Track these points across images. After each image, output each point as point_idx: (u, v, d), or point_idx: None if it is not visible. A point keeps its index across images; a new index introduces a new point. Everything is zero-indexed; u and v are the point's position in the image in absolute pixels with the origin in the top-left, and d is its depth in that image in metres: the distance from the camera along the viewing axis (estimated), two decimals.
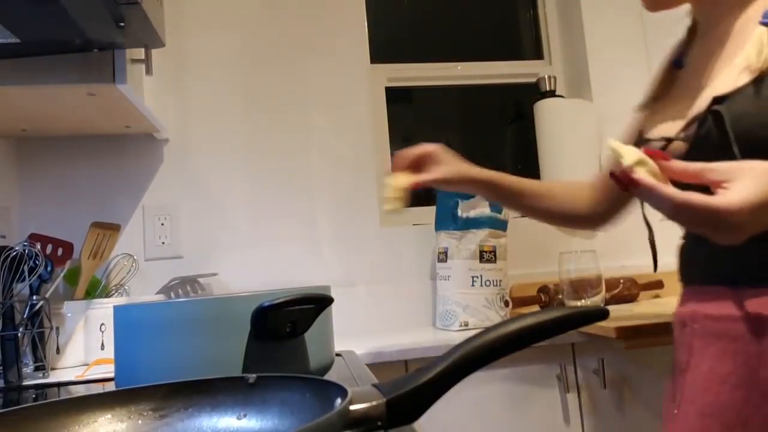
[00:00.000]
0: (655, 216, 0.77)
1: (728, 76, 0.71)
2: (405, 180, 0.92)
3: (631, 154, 0.63)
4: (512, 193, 1.00)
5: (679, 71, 0.88)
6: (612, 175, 0.63)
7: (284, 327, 0.68)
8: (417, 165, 0.95)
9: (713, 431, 0.71)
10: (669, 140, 0.77)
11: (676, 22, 0.94)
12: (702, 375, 0.73)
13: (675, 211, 0.60)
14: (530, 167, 1.96)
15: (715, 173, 0.61)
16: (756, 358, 0.69)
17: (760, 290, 0.70)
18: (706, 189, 0.61)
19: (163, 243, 1.64)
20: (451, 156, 0.96)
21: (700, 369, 0.74)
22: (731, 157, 0.64)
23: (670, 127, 0.79)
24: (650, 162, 0.63)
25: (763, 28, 0.69)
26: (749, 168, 0.60)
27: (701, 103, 0.73)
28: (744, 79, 0.68)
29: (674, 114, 0.81)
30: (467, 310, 1.54)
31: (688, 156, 0.70)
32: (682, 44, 0.91)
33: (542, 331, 0.46)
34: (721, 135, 0.67)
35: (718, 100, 0.69)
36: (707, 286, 0.77)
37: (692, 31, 0.89)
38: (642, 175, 0.61)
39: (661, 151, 0.65)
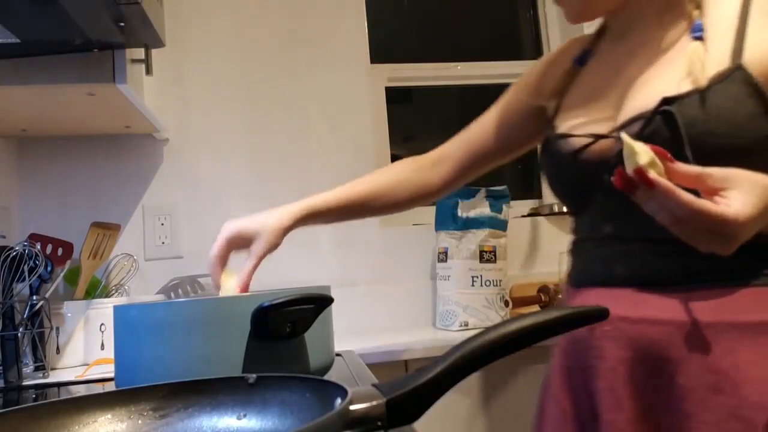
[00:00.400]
0: None
1: (668, 81, 0.70)
2: (233, 286, 0.86)
3: (644, 153, 0.60)
4: (349, 207, 0.98)
5: (581, 68, 0.87)
6: (620, 173, 0.60)
7: (284, 327, 0.68)
8: (229, 255, 0.90)
9: None
10: (598, 137, 0.75)
11: None
12: (620, 379, 0.71)
13: (688, 217, 0.57)
14: (531, 167, 1.96)
15: (712, 179, 0.60)
16: (675, 363, 0.68)
17: (683, 294, 0.69)
18: (692, 192, 0.60)
19: (163, 243, 1.64)
20: (253, 220, 0.91)
21: (617, 373, 0.71)
22: (682, 159, 0.63)
23: (589, 123, 0.78)
24: (659, 163, 0.60)
25: (697, 43, 0.69)
26: (744, 177, 0.59)
27: (641, 102, 0.71)
28: (686, 87, 0.67)
29: (589, 111, 0.79)
30: (467, 310, 1.54)
31: (621, 154, 0.68)
32: (586, 43, 0.90)
33: (542, 331, 0.46)
34: (672, 136, 0.66)
35: (668, 100, 0.67)
36: (618, 288, 0.74)
37: (601, 32, 0.89)
38: (654, 176, 0.58)
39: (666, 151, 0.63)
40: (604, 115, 0.77)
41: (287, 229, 0.92)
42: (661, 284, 0.70)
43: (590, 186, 0.77)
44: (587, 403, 0.75)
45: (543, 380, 0.87)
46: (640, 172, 0.58)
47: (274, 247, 0.90)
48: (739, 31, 0.67)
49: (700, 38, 0.69)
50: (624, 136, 0.62)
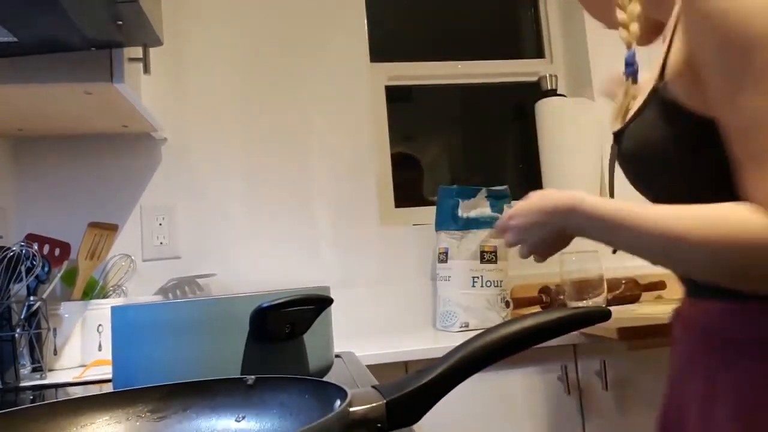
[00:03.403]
0: None
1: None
2: None
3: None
4: None
5: None
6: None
7: (283, 328, 0.68)
8: None
9: None
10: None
11: None
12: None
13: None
14: (531, 167, 1.96)
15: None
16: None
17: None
18: None
19: (161, 243, 1.64)
20: None
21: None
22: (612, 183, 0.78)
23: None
24: None
25: (626, 82, 0.76)
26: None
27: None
28: (617, 123, 0.77)
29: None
30: (468, 311, 1.53)
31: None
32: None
33: (543, 332, 0.45)
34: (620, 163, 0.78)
35: (616, 135, 0.77)
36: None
37: None
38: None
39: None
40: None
41: None
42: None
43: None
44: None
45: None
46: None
47: None
48: (665, 53, 0.70)
49: (632, 72, 0.76)
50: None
